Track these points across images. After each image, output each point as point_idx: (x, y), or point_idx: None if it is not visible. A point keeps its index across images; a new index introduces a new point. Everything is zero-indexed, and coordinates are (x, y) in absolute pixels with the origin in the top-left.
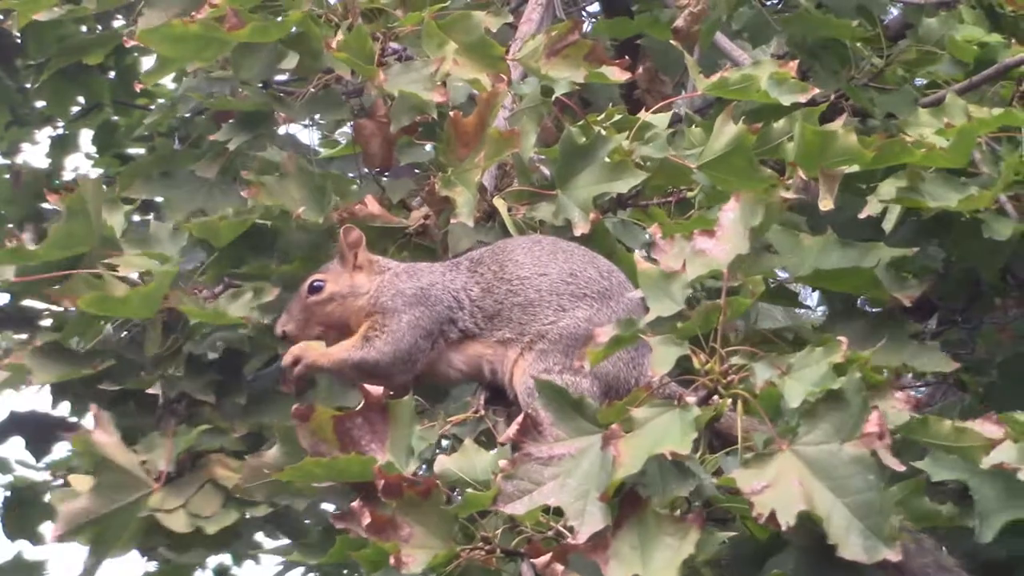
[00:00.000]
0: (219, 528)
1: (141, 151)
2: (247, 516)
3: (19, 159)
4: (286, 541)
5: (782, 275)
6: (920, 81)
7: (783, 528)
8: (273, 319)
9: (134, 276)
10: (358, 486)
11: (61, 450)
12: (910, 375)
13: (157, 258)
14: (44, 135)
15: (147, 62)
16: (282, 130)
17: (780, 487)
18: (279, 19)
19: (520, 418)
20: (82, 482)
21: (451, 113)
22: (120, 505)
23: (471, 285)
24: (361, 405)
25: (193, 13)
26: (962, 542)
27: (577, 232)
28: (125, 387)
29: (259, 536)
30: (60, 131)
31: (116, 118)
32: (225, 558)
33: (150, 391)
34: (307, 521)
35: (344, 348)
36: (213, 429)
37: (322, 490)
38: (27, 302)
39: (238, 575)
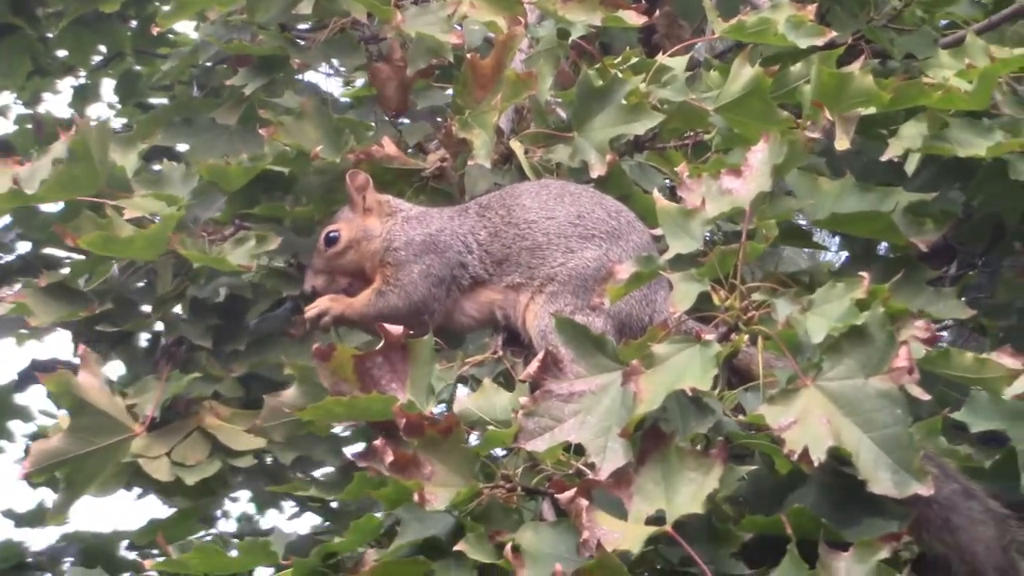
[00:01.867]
0: (199, 478)
1: (164, 101)
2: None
3: (41, 109)
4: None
5: (802, 221)
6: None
7: (815, 464)
8: (284, 261)
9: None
10: (378, 425)
11: None
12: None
13: (166, 200)
14: (66, 85)
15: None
16: (303, 78)
17: (807, 423)
18: None
19: (541, 355)
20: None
21: (468, 55)
22: (97, 447)
23: (479, 229)
24: (381, 344)
25: None
26: (983, 482)
27: (594, 174)
28: (123, 329)
29: None
30: (82, 81)
31: (138, 68)
32: (250, 507)
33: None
34: (297, 475)
35: (363, 301)
36: (207, 376)
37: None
38: (48, 250)
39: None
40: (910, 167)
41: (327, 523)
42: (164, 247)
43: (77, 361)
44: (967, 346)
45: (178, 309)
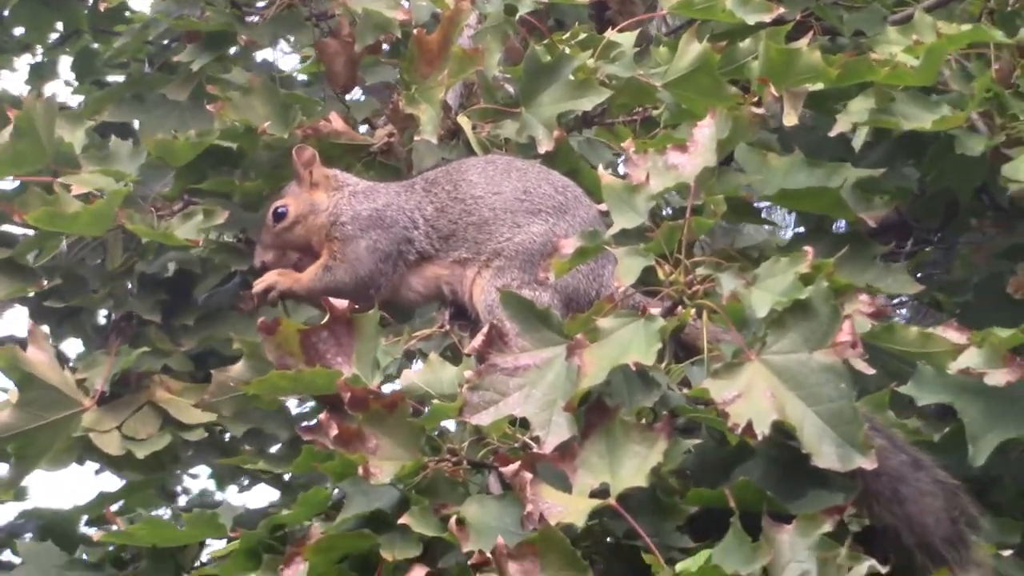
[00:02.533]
0: (149, 452)
1: (120, 78)
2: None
3: None
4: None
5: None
6: None
7: (759, 438)
8: (233, 236)
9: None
10: (324, 399)
11: None
12: (885, 297)
13: (114, 176)
14: (23, 62)
15: None
16: (258, 56)
17: (751, 397)
18: None
19: (486, 329)
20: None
21: (415, 31)
22: (46, 422)
23: (425, 204)
24: (326, 319)
25: None
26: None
27: (541, 150)
28: (71, 304)
29: None
30: (39, 59)
31: (96, 45)
32: (209, 483)
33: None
34: (248, 448)
35: (310, 275)
36: (156, 350)
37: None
38: (3, 227)
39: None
40: (857, 142)
41: (280, 495)
42: (111, 222)
43: None
44: (924, 322)
45: (128, 284)
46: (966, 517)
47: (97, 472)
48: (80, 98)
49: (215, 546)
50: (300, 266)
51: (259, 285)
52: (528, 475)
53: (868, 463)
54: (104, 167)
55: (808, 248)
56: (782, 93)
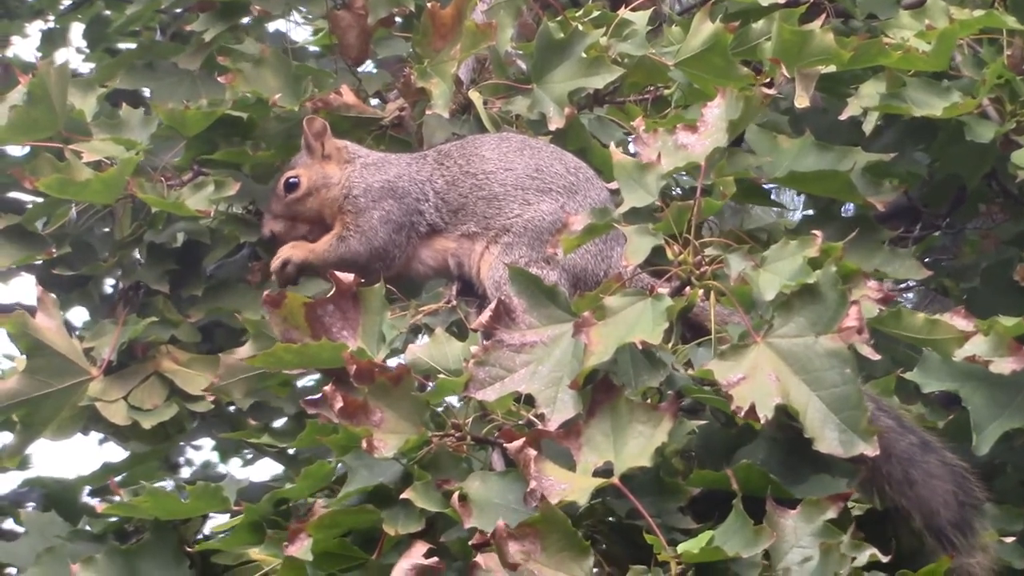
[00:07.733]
0: (155, 422)
1: (132, 46)
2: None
3: (9, 52)
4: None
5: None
6: None
7: (762, 421)
8: (243, 208)
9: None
10: (329, 372)
11: None
12: (892, 281)
13: (124, 144)
14: (35, 29)
15: None
16: (271, 27)
17: (756, 379)
18: None
19: (493, 305)
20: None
21: (428, 5)
22: (53, 390)
23: (436, 177)
24: (332, 292)
25: None
26: None
27: (552, 127)
28: (80, 273)
29: None
30: (51, 25)
31: (108, 12)
32: (213, 455)
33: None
34: (252, 422)
35: (324, 246)
36: (164, 321)
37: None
38: (13, 194)
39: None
40: (868, 126)
41: (284, 470)
42: (121, 191)
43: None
44: (930, 308)
45: (136, 253)
46: (972, 501)
47: (101, 442)
48: (91, 65)
49: (218, 519)
50: (309, 239)
51: (276, 261)
52: (532, 452)
53: (871, 449)
54: (115, 135)
55: (817, 232)
56: (794, 75)
